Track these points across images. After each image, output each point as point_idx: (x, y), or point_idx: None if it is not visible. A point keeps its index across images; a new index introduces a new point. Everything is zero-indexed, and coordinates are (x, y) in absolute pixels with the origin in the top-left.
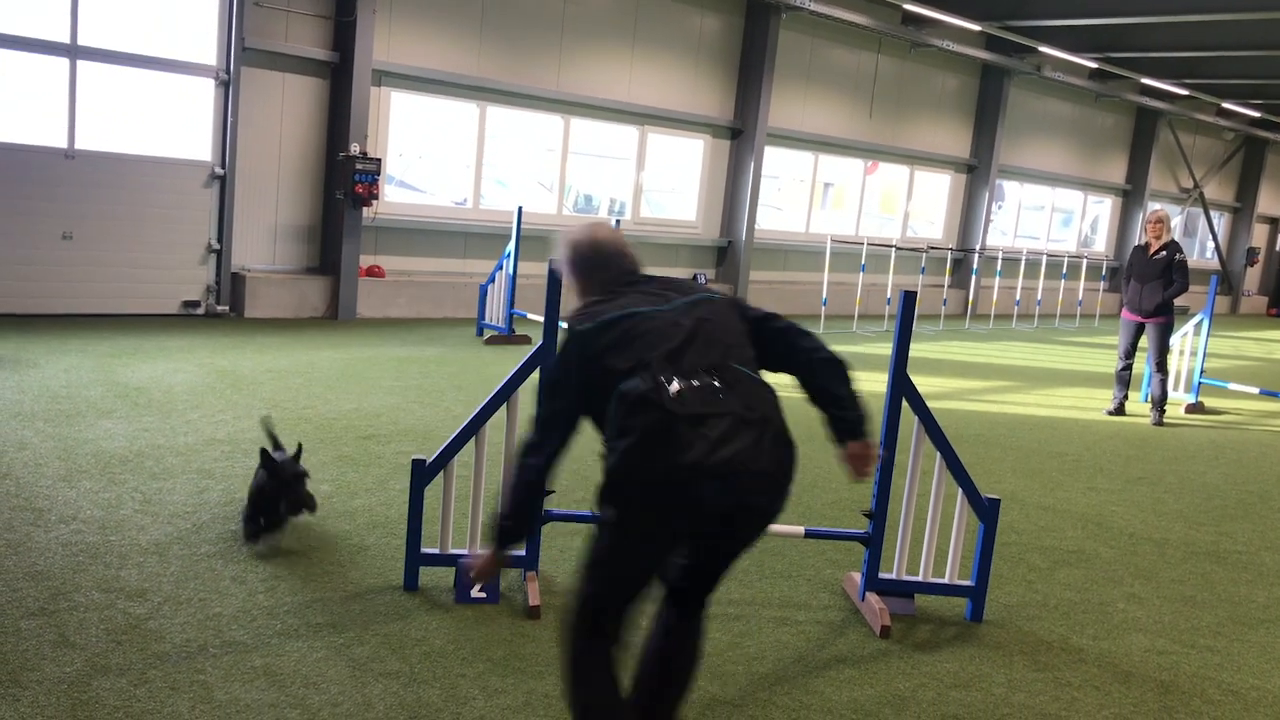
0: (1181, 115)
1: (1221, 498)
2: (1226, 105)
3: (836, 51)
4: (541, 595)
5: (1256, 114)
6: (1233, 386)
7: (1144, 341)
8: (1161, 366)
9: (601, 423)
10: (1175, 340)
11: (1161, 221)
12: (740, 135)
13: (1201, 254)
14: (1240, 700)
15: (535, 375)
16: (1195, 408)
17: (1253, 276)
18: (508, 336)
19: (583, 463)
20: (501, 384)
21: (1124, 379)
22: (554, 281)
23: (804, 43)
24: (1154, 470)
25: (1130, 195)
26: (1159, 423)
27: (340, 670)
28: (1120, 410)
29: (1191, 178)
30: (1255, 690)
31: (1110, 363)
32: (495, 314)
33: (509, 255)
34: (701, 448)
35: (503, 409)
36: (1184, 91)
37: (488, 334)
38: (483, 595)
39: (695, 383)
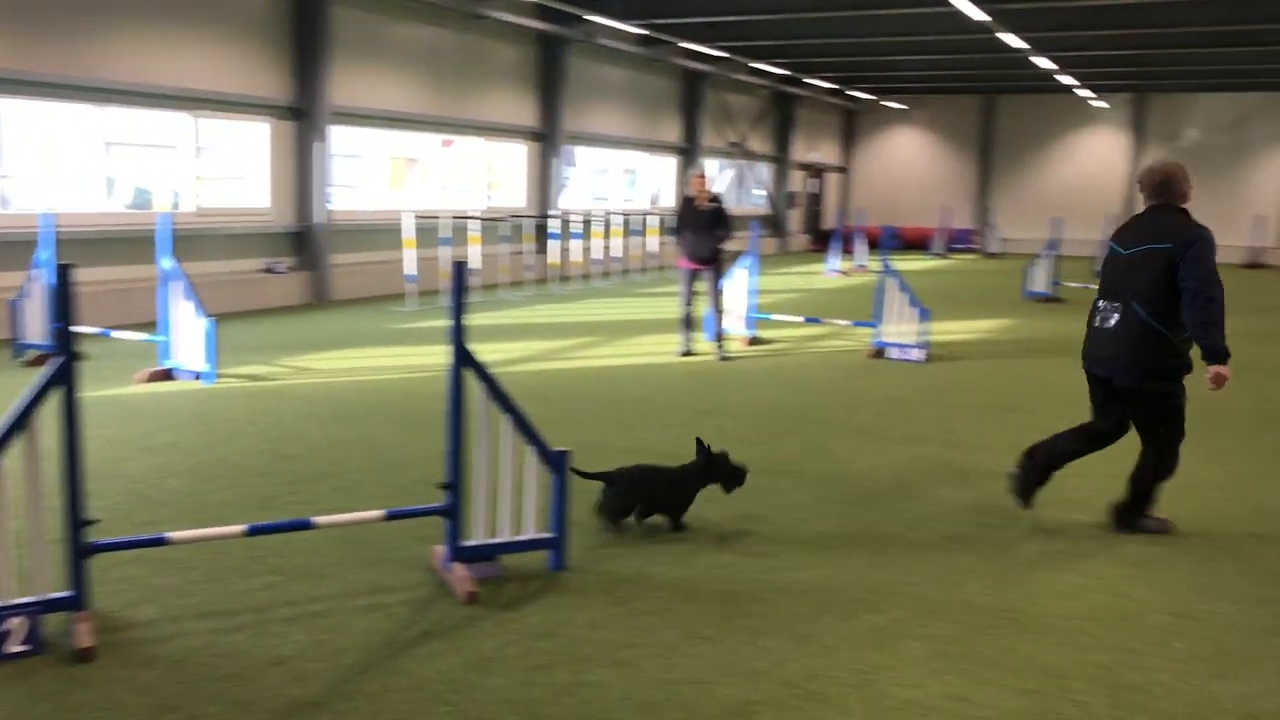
0: (722, 76)
1: (774, 417)
2: (756, 65)
3: (398, 26)
4: (97, 634)
5: (783, 72)
6: (777, 317)
7: (703, 286)
8: (719, 307)
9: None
10: (729, 280)
11: (704, 176)
12: (305, 116)
13: (752, 201)
14: (786, 594)
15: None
16: (753, 340)
17: (797, 218)
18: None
19: (144, 483)
20: (13, 411)
21: (688, 322)
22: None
23: (362, 18)
24: (719, 401)
25: (688, 153)
26: (723, 358)
27: None
28: (689, 352)
29: (737, 133)
30: (799, 583)
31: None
32: (37, 330)
33: (45, 263)
34: None
35: (21, 440)
36: (721, 54)
37: (33, 354)
38: (25, 648)
39: None
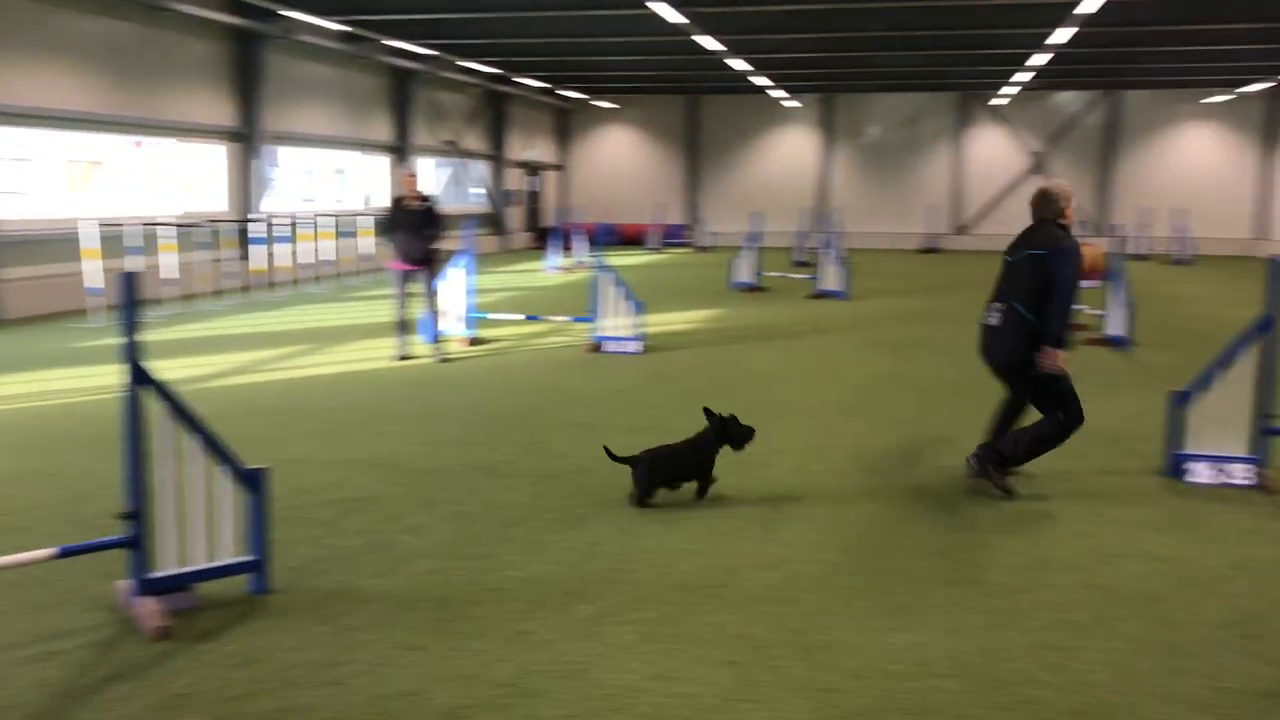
0: (432, 74)
1: (493, 417)
2: (465, 64)
3: (68, 16)
4: None
5: (493, 70)
6: (496, 316)
7: (417, 287)
8: (435, 308)
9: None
10: (444, 281)
11: (414, 175)
12: None
13: (470, 200)
14: (500, 594)
15: None
16: (473, 341)
17: (517, 216)
18: None
19: None
20: None
21: (403, 326)
22: None
23: (19, 4)
24: (439, 404)
25: (400, 151)
26: (442, 360)
27: None
28: (406, 356)
29: (451, 131)
30: (512, 582)
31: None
32: None
33: None
34: None
35: None
36: (429, 51)
37: None
38: None
39: None
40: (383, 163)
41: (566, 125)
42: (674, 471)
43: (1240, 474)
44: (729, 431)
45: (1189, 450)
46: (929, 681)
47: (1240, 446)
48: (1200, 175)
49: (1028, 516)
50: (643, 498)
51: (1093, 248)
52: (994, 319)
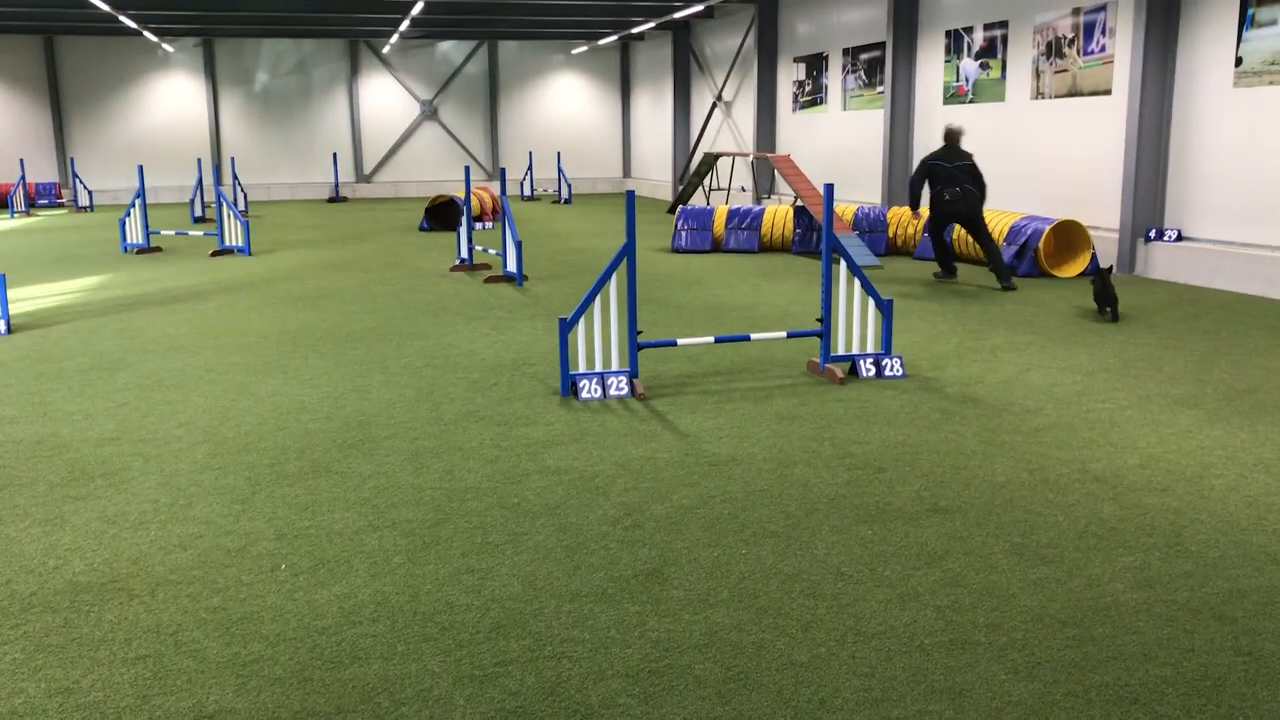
0: None
1: None
2: None
3: None
4: None
5: None
6: None
7: None
8: None
9: None
10: None
11: None
12: None
13: None
14: None
15: None
16: None
17: None
18: None
19: None
20: None
21: None
22: None
23: None
24: None
25: None
26: None
27: None
28: None
29: None
30: None
31: None
32: None
33: None
34: None
35: None
36: None
37: None
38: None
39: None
40: None
41: None
42: None
43: (618, 385)
44: None
45: (579, 371)
46: (356, 629)
47: (619, 363)
48: (574, 119)
49: (440, 452)
50: None
51: (484, 190)
52: (957, 193)
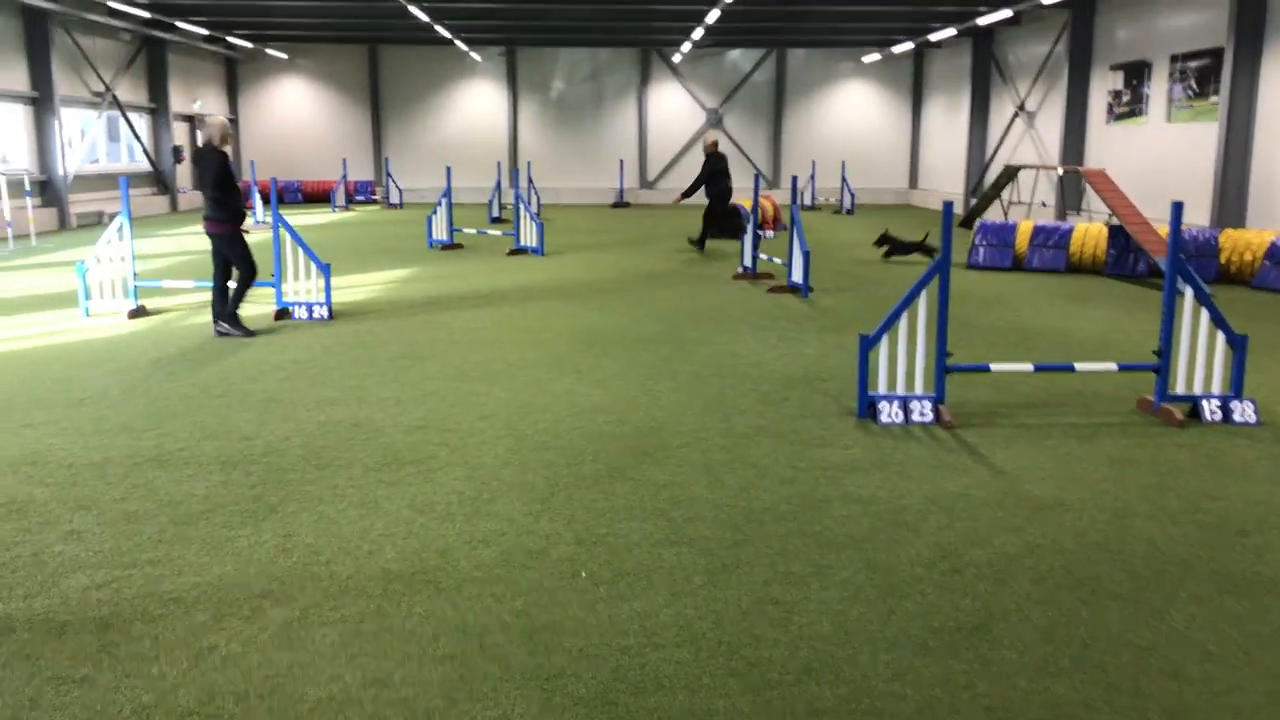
0: (72, 15)
1: (167, 399)
2: (114, 5)
3: None
4: None
5: (146, 14)
6: (168, 284)
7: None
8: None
9: None
10: (103, 246)
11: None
12: None
13: (131, 158)
14: (181, 604)
15: None
16: (137, 312)
17: (184, 174)
18: None
19: None
20: None
21: None
22: None
23: None
24: (97, 387)
25: (40, 102)
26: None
27: None
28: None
29: (101, 81)
30: (197, 588)
31: (53, 281)
32: None
33: None
34: None
35: None
36: None
37: None
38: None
39: None
40: (18, 113)
41: (235, 76)
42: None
43: (922, 411)
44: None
45: (878, 392)
46: (659, 653)
47: (922, 386)
48: (860, 129)
49: (733, 466)
50: None
51: (766, 199)
52: None
